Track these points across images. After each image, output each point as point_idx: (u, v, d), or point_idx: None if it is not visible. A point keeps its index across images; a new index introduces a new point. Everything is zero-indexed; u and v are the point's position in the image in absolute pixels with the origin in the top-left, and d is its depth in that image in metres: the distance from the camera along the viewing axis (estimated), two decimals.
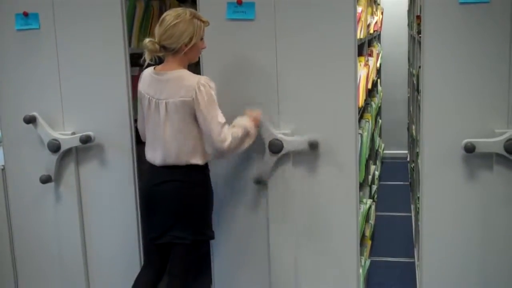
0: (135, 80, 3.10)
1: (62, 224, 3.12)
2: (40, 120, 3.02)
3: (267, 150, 2.79)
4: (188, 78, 2.59)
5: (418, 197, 3.59)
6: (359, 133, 2.88)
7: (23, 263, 3.25)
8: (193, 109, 2.58)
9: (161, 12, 3.38)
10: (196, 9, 2.75)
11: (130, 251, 3.10)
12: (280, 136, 2.78)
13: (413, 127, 4.98)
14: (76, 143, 2.98)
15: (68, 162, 3.07)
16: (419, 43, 3.30)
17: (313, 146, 2.75)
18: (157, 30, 2.59)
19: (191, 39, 2.57)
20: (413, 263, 3.86)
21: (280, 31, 2.76)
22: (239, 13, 2.73)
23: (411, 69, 5.67)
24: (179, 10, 2.59)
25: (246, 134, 2.68)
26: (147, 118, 2.69)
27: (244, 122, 2.70)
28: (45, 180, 3.02)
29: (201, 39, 2.64)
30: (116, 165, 3.05)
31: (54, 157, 3.02)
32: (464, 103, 2.65)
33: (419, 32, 3.44)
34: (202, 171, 2.70)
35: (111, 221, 3.10)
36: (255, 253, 2.98)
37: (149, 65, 2.67)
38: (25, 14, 3.00)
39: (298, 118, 2.80)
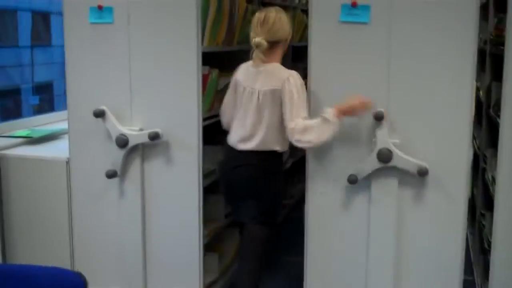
0: (204, 79, 3.08)
1: (123, 220, 3.11)
2: (109, 114, 3.01)
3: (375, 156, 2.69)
4: (281, 70, 2.86)
5: (482, 213, 3.51)
6: None
7: (82, 257, 3.25)
8: (281, 98, 2.79)
9: (231, 13, 3.36)
10: (287, 10, 2.77)
11: (190, 251, 3.07)
12: (390, 146, 2.66)
13: None
14: (145, 139, 2.97)
15: (134, 158, 3.05)
16: None
17: (422, 173, 2.65)
18: (261, 29, 2.84)
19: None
20: (473, 281, 3.76)
21: (395, 37, 2.68)
22: (354, 15, 2.68)
23: None
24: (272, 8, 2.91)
25: (323, 122, 2.68)
26: (239, 105, 2.94)
27: (325, 113, 2.71)
28: (111, 175, 3.01)
29: None
30: (182, 163, 3.02)
31: (121, 153, 3.00)
32: None
33: None
34: (278, 158, 2.93)
35: (173, 219, 3.07)
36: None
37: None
38: (100, 8, 3.00)
39: (408, 128, 2.71)
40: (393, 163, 2.65)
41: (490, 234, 3.15)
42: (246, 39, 3.58)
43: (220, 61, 3.44)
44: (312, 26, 2.76)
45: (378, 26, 2.68)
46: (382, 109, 2.65)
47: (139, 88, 3.03)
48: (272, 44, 2.85)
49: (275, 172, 2.95)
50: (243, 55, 3.74)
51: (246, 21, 3.57)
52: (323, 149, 2.81)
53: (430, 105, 2.69)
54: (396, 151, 2.64)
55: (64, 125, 3.99)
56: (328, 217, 2.89)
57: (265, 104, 2.83)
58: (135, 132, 3.00)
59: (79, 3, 3.04)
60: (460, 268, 2.77)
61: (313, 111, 2.80)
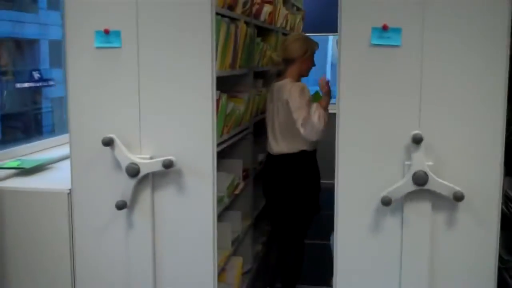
0: (216, 104, 2.98)
1: (132, 254, 2.94)
2: (118, 142, 2.86)
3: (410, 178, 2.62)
4: (288, 84, 3.65)
5: None
6: None
7: None
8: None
9: (236, 37, 3.28)
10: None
11: (204, 284, 2.93)
12: (426, 169, 2.59)
13: None
14: (158, 167, 2.82)
15: (143, 187, 2.90)
16: None
17: (458, 197, 2.58)
18: (279, 48, 3.85)
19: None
20: None
21: (427, 60, 2.64)
22: (385, 38, 2.63)
23: None
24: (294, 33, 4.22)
25: (316, 110, 3.47)
26: (268, 117, 3.80)
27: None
28: (122, 206, 2.85)
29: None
30: (195, 192, 2.89)
31: (131, 182, 2.85)
32: None
33: None
34: (306, 156, 3.73)
35: (186, 251, 2.93)
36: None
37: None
38: (106, 32, 2.87)
39: (440, 152, 2.66)
40: (428, 186, 2.60)
41: None
42: (247, 62, 3.52)
43: (223, 84, 3.35)
44: (342, 49, 2.70)
45: (410, 49, 2.65)
46: (419, 132, 2.61)
47: (148, 115, 2.89)
48: (287, 61, 3.71)
49: (298, 170, 3.71)
50: (243, 79, 3.69)
51: (246, 44, 3.51)
52: (352, 170, 2.75)
53: (462, 128, 2.66)
54: (431, 174, 2.59)
55: (51, 154, 3.82)
56: (359, 240, 2.80)
57: (281, 113, 3.62)
58: (147, 161, 2.85)
59: (83, 27, 2.89)
60: None
61: (342, 133, 2.75)
